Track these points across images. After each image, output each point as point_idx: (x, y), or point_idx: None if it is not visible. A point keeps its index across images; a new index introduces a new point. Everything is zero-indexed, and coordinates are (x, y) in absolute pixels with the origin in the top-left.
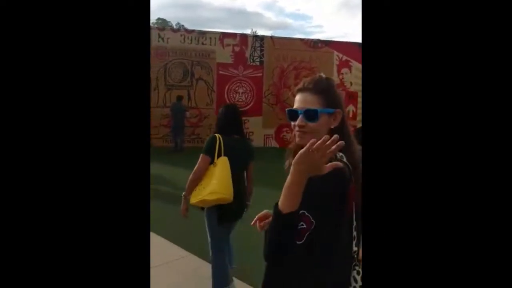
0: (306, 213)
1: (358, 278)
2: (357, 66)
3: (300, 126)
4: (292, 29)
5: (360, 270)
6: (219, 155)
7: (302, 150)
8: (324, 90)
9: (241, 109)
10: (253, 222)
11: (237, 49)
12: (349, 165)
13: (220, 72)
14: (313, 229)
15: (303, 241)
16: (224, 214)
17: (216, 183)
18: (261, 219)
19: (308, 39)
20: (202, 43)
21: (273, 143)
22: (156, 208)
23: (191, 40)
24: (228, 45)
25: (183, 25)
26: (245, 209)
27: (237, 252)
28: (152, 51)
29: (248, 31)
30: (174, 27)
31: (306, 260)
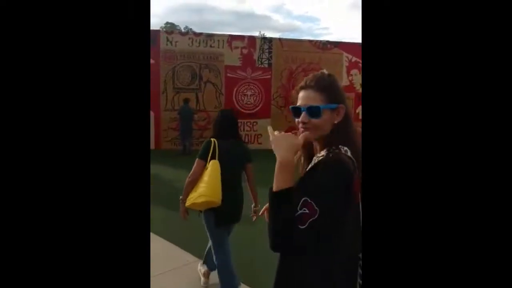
0: (309, 200)
1: None
2: None
3: (303, 123)
4: (300, 31)
5: None
6: (213, 159)
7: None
8: (326, 87)
9: (249, 111)
10: (261, 212)
11: (245, 51)
12: (354, 159)
13: (228, 74)
14: (317, 217)
15: (305, 226)
16: (220, 217)
17: (204, 186)
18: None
19: (317, 41)
20: (210, 46)
21: None
22: (163, 212)
23: (199, 43)
24: (236, 47)
25: (191, 29)
26: (250, 213)
27: (238, 254)
28: (160, 55)
29: (256, 34)
30: (183, 30)
31: (312, 249)
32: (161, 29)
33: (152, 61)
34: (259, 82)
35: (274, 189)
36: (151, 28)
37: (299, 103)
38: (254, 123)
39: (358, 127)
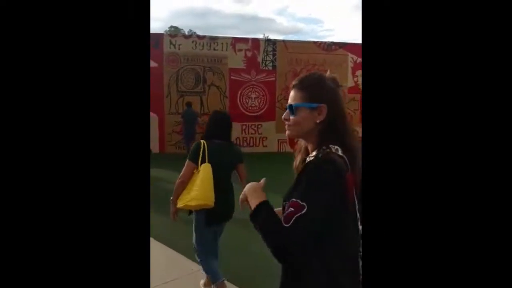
0: (294, 199)
1: None
2: None
3: (285, 120)
4: (303, 33)
5: None
6: (203, 161)
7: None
8: (308, 86)
9: (254, 114)
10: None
11: (249, 54)
12: (345, 157)
13: (232, 77)
14: (305, 211)
15: (290, 223)
16: (211, 216)
17: (197, 189)
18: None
19: (321, 42)
20: (214, 49)
21: (287, 148)
22: (167, 218)
23: (203, 46)
24: (240, 50)
25: (195, 32)
26: (243, 213)
27: (228, 255)
28: (163, 58)
29: (260, 37)
30: (186, 34)
31: (309, 247)
32: (164, 33)
33: (155, 64)
34: (264, 85)
35: (250, 213)
36: (155, 32)
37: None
38: (259, 126)
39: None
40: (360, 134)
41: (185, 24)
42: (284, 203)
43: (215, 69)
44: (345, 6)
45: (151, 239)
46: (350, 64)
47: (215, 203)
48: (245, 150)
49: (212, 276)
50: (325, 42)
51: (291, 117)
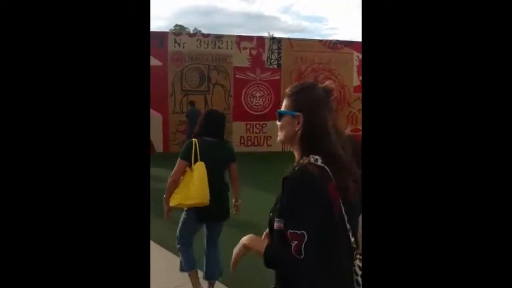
0: (291, 231)
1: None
2: None
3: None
4: (308, 31)
5: (361, 257)
6: (195, 159)
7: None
8: (292, 94)
9: (258, 113)
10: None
11: (254, 52)
12: (325, 166)
13: (237, 76)
14: (308, 238)
15: (302, 255)
16: (202, 214)
17: (193, 188)
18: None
19: (327, 40)
20: (219, 47)
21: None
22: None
23: (208, 44)
24: (245, 48)
25: (200, 31)
26: (233, 210)
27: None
28: (168, 57)
29: (265, 35)
30: (191, 32)
31: (312, 266)
32: (169, 31)
33: (159, 63)
34: (268, 83)
35: (264, 258)
36: (160, 30)
37: None
38: (263, 125)
39: (352, 130)
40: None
41: (190, 23)
42: (270, 214)
43: (219, 67)
44: (350, 5)
45: (153, 243)
46: (356, 63)
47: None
48: (249, 149)
49: (188, 265)
50: (331, 41)
51: (278, 123)
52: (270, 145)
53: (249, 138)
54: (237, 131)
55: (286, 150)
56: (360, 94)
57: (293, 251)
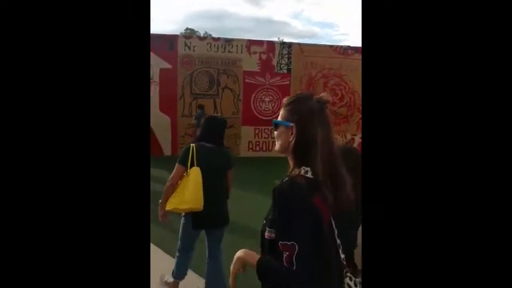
0: (282, 242)
1: (351, 283)
2: None
3: None
4: (318, 37)
5: (352, 276)
6: (192, 164)
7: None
8: (287, 105)
9: (267, 118)
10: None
11: (264, 56)
12: (314, 178)
13: (247, 80)
14: (298, 248)
15: (295, 265)
16: (197, 220)
17: (187, 193)
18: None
19: (337, 46)
20: (229, 51)
21: None
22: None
23: (218, 48)
24: (255, 52)
25: (210, 34)
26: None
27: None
28: (178, 60)
29: (275, 40)
30: (201, 36)
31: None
32: (179, 34)
33: (169, 66)
34: (278, 88)
35: (255, 266)
36: (170, 34)
37: None
38: (272, 130)
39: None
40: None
41: (201, 27)
42: (263, 221)
43: (229, 71)
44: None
45: (157, 249)
46: None
47: (203, 207)
48: (258, 154)
49: (178, 272)
50: (341, 46)
51: (275, 132)
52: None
53: (257, 143)
54: (245, 135)
55: None
56: None
57: (285, 263)
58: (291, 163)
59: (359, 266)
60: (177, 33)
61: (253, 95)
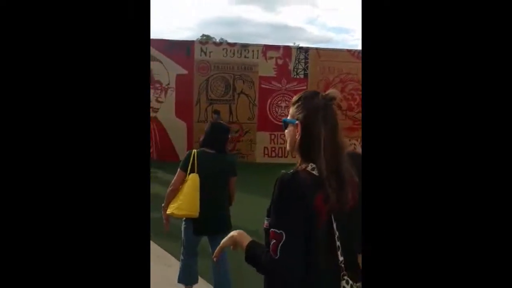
0: (272, 229)
1: (348, 287)
2: None
3: None
4: (334, 42)
5: (350, 279)
6: (191, 170)
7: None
8: (294, 103)
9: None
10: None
11: (280, 61)
12: (319, 176)
13: (262, 85)
14: (285, 238)
15: (278, 254)
16: (197, 226)
17: (182, 199)
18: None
19: (355, 50)
20: (245, 56)
21: None
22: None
23: (234, 53)
24: (271, 57)
25: (226, 40)
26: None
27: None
28: (194, 65)
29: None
30: (217, 41)
31: (291, 274)
32: (195, 40)
33: (185, 72)
34: (294, 93)
35: (245, 254)
36: (186, 40)
37: None
38: None
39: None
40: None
41: (216, 33)
42: (267, 217)
43: (245, 77)
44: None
45: (170, 257)
46: None
47: (201, 213)
48: (273, 160)
49: (183, 276)
50: (359, 51)
51: (285, 131)
52: (295, 157)
53: (273, 148)
54: (261, 141)
55: None
56: None
57: (270, 250)
58: (298, 161)
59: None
60: (193, 39)
61: (269, 101)
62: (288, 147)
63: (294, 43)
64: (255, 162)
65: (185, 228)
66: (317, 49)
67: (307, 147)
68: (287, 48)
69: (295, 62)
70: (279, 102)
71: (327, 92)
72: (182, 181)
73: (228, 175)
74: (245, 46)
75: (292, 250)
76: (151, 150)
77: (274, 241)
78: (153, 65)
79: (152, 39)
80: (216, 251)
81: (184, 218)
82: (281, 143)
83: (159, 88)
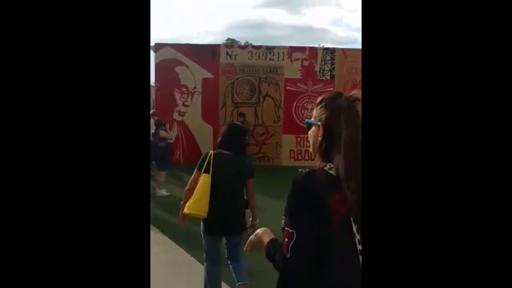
0: (285, 228)
1: None
2: None
3: None
4: (359, 43)
5: None
6: (206, 171)
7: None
8: (317, 104)
9: None
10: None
11: (306, 63)
12: (336, 176)
13: (288, 88)
14: (296, 238)
15: (289, 253)
16: (208, 226)
17: (192, 199)
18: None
19: None
20: (270, 59)
21: None
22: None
23: (259, 56)
24: (297, 59)
25: (251, 43)
26: (248, 228)
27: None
28: (220, 69)
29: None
30: (243, 45)
31: (305, 274)
32: (221, 44)
33: (211, 75)
34: (320, 95)
35: (265, 247)
36: (212, 44)
37: None
38: None
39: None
40: None
41: (241, 36)
42: (284, 216)
43: (270, 79)
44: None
45: (195, 262)
46: None
47: (214, 212)
48: (300, 164)
49: (210, 282)
50: None
51: (309, 133)
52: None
53: (299, 151)
54: (287, 144)
55: None
56: None
57: (283, 249)
58: (318, 161)
59: None
60: (219, 43)
61: (295, 103)
62: (311, 149)
63: (319, 45)
64: (281, 165)
65: (202, 228)
66: (343, 49)
67: (327, 147)
68: (313, 50)
69: (321, 63)
70: (305, 104)
71: (351, 93)
72: (198, 181)
73: (245, 177)
74: (270, 49)
75: (301, 251)
76: (178, 154)
77: (287, 240)
78: (180, 69)
79: (178, 44)
80: (246, 245)
81: (201, 220)
82: (307, 146)
83: (186, 92)
